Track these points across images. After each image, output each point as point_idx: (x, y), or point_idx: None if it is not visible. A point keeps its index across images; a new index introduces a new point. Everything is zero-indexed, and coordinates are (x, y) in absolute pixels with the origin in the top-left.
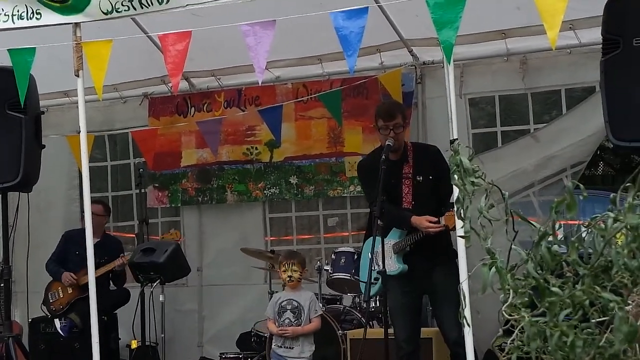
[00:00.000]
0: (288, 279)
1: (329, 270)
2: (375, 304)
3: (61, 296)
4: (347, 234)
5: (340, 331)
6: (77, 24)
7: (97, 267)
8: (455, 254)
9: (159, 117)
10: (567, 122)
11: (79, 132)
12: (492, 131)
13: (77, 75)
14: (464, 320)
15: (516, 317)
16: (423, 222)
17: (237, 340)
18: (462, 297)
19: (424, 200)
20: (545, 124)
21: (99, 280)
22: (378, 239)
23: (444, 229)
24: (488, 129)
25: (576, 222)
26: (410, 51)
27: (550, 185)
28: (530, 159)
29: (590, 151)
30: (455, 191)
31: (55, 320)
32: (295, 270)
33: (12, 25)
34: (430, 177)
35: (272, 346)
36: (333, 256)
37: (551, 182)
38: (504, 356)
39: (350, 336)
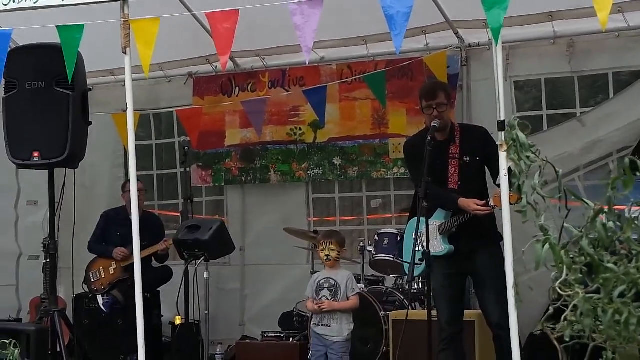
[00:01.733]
0: (326, 258)
1: (372, 252)
2: (418, 285)
3: (103, 276)
4: (390, 215)
5: (382, 312)
6: (124, 1)
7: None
8: (499, 237)
9: (203, 97)
10: (613, 107)
11: (125, 110)
12: (537, 114)
13: (125, 53)
14: (514, 295)
15: (570, 293)
16: (471, 204)
17: (279, 320)
18: (508, 276)
19: (471, 181)
20: (591, 108)
21: (142, 259)
22: (423, 219)
23: (492, 212)
24: (534, 112)
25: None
26: (456, 33)
27: (596, 169)
28: (576, 143)
29: (637, 136)
30: (502, 167)
31: (98, 296)
32: (332, 250)
33: (61, 2)
34: (478, 158)
35: (311, 324)
36: (376, 237)
37: (597, 166)
38: (555, 334)
39: (393, 317)
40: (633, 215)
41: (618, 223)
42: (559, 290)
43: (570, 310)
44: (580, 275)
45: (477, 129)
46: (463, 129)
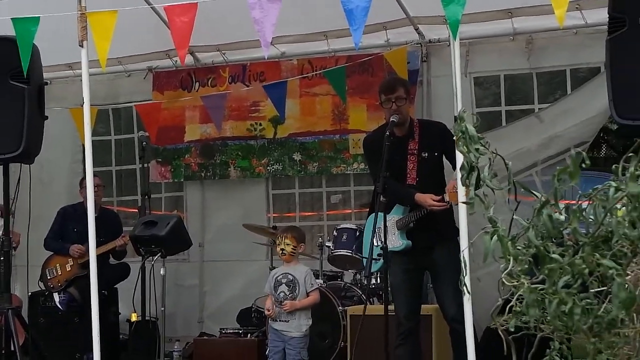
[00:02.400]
0: (281, 252)
1: (331, 247)
2: (376, 280)
3: (59, 273)
4: (350, 211)
5: (340, 307)
6: None
7: (97, 244)
8: (457, 232)
9: (163, 92)
10: (571, 103)
11: (83, 105)
12: (496, 110)
13: (81, 46)
14: (464, 288)
15: (515, 283)
16: (427, 199)
17: (238, 316)
18: (462, 266)
19: (429, 177)
20: (549, 104)
21: (99, 256)
22: (381, 215)
23: (448, 207)
24: (492, 108)
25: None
26: (417, 29)
27: (553, 165)
28: (534, 138)
29: (594, 132)
30: (459, 159)
31: (54, 294)
32: (287, 244)
33: None
34: (436, 154)
35: (269, 320)
36: (335, 233)
37: (554, 162)
38: (502, 325)
39: (351, 312)
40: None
41: (565, 215)
42: (504, 281)
43: (516, 301)
44: (527, 267)
45: (436, 124)
46: (422, 124)
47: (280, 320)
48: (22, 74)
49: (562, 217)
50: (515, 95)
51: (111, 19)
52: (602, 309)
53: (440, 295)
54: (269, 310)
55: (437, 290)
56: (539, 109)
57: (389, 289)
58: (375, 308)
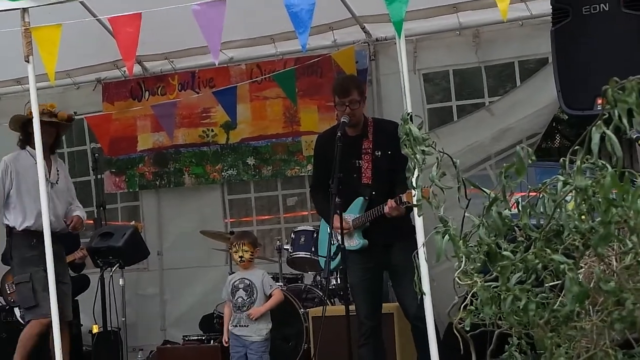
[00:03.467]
0: (239, 259)
1: (289, 250)
2: (337, 281)
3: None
4: (307, 213)
5: (302, 309)
6: (24, 9)
7: None
8: (414, 231)
9: (113, 102)
10: (521, 94)
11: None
12: (447, 106)
13: (27, 61)
14: (420, 289)
15: (469, 282)
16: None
17: (200, 323)
18: (415, 266)
19: (383, 176)
20: (499, 97)
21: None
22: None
23: (404, 210)
24: (443, 104)
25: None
26: (363, 28)
27: (507, 157)
28: (486, 132)
29: (545, 122)
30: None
31: (15, 309)
32: (246, 251)
33: None
34: (389, 153)
35: (230, 326)
36: (293, 235)
37: (507, 154)
38: (459, 322)
39: (312, 314)
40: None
41: (515, 210)
42: (458, 281)
43: (471, 299)
44: (479, 265)
45: (389, 123)
46: (376, 123)
47: (240, 326)
48: None
49: (511, 214)
50: (465, 89)
51: (56, 32)
52: (557, 303)
53: (400, 294)
54: (226, 343)
55: (397, 289)
56: (489, 102)
57: (349, 289)
58: (337, 309)
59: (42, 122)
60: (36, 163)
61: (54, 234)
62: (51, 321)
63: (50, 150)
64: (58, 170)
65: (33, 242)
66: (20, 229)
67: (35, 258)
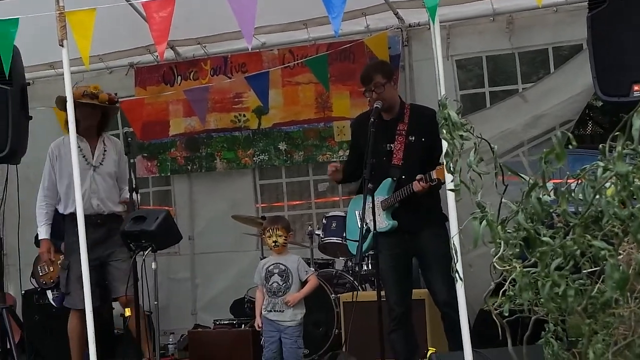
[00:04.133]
0: (273, 244)
1: (321, 235)
2: (368, 266)
3: (51, 270)
4: (338, 198)
5: (333, 295)
6: None
7: None
8: (444, 219)
9: (145, 87)
10: (555, 81)
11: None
12: (480, 92)
13: (62, 45)
14: (457, 275)
15: (507, 268)
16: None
17: (231, 307)
18: (453, 252)
19: (414, 160)
20: (533, 84)
21: None
22: (368, 198)
23: (433, 185)
24: (476, 90)
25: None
26: (396, 14)
27: (540, 144)
28: (519, 118)
29: (579, 109)
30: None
31: (47, 291)
32: (280, 235)
33: None
34: (423, 139)
35: (262, 311)
36: (324, 221)
37: (540, 141)
38: (495, 309)
39: (343, 299)
40: (570, 188)
41: (554, 196)
42: (496, 266)
43: (509, 284)
44: (518, 250)
45: (426, 110)
46: (413, 109)
47: (275, 311)
48: (4, 75)
49: (550, 199)
50: (498, 76)
51: (90, 16)
52: (595, 290)
53: (430, 281)
54: (259, 328)
55: (426, 276)
56: (522, 88)
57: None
58: (368, 294)
59: (83, 104)
60: (79, 147)
61: (100, 216)
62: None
63: (97, 132)
64: (105, 152)
65: (75, 227)
66: (65, 214)
67: (77, 245)
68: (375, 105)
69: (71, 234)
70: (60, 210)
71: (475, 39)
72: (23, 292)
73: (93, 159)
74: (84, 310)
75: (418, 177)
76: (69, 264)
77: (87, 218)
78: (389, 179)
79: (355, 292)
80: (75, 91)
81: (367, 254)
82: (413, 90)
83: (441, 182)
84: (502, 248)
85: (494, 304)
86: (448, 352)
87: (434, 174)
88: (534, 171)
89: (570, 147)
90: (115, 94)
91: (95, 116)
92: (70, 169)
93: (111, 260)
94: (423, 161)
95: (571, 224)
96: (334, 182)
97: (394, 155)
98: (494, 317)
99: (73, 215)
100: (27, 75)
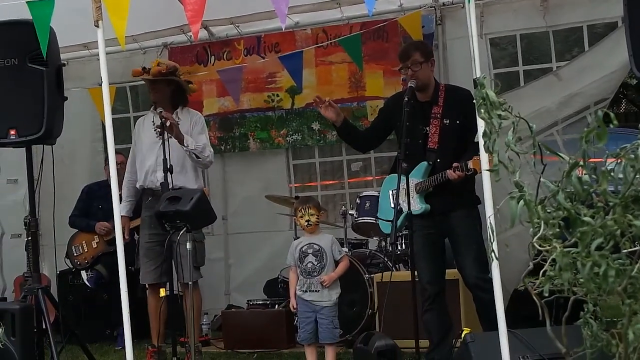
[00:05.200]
0: (306, 223)
1: (354, 215)
2: (401, 246)
3: (85, 250)
4: (371, 178)
5: (366, 275)
6: None
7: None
8: (477, 201)
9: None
10: (589, 59)
11: (101, 84)
12: (514, 71)
13: (97, 26)
14: (492, 254)
15: (548, 247)
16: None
17: (264, 287)
18: (489, 232)
19: (450, 143)
20: (567, 62)
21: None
22: (402, 178)
23: (469, 175)
24: (510, 69)
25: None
26: None
27: (574, 123)
28: (553, 97)
29: (614, 87)
30: (479, 128)
31: (82, 272)
32: (312, 214)
33: None
34: (458, 122)
35: (297, 292)
36: (358, 200)
37: (575, 120)
38: (535, 289)
39: (377, 279)
40: (609, 167)
41: (594, 176)
42: (536, 246)
43: (549, 264)
44: (558, 230)
45: (461, 91)
46: (448, 90)
47: (310, 291)
48: (40, 56)
49: (591, 179)
50: (532, 54)
51: None
52: (635, 270)
53: (460, 262)
54: (294, 308)
55: (457, 257)
56: (557, 67)
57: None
58: (402, 274)
59: (146, 80)
60: (153, 122)
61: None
62: (159, 286)
63: (171, 105)
64: (179, 125)
65: (147, 201)
66: (139, 188)
67: (147, 219)
68: (409, 84)
69: (144, 208)
70: (137, 185)
71: (510, 17)
72: (58, 272)
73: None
74: (154, 285)
75: (454, 165)
76: (138, 240)
77: (155, 192)
78: (425, 163)
79: (388, 273)
80: (135, 69)
81: (400, 234)
82: (447, 69)
83: (476, 172)
84: (541, 228)
85: (533, 283)
86: (483, 332)
87: (470, 164)
88: (568, 150)
89: (611, 125)
90: (175, 66)
91: (161, 91)
92: (144, 143)
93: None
94: (458, 144)
95: (611, 203)
96: (331, 120)
97: (430, 139)
98: (533, 297)
99: (145, 190)
100: (61, 56)
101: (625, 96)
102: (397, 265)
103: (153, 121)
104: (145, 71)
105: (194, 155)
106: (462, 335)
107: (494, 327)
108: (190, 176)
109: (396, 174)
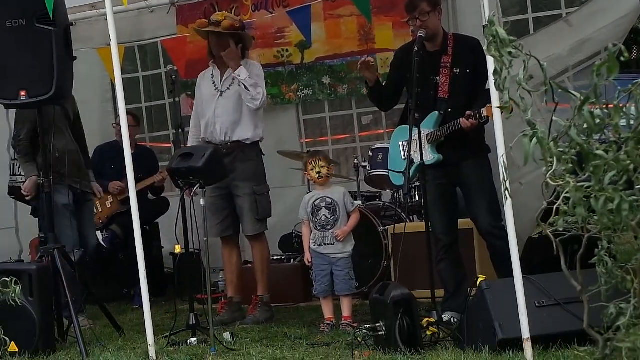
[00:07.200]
0: (317, 175)
1: (367, 168)
2: (415, 198)
3: (100, 210)
4: (382, 131)
5: (381, 227)
6: None
7: (135, 180)
8: (487, 150)
9: (187, 25)
10: (599, 4)
11: (109, 44)
12: (524, 18)
13: None
14: (506, 193)
15: (561, 183)
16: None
17: (279, 242)
18: (502, 170)
19: (461, 92)
20: (577, 8)
21: (138, 192)
22: (414, 129)
23: (482, 122)
24: (520, 17)
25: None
26: None
27: (585, 69)
28: (564, 44)
29: (625, 32)
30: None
31: (97, 232)
32: (322, 166)
33: None
34: (468, 71)
35: (311, 245)
36: (370, 153)
37: (585, 66)
38: (548, 225)
39: (391, 231)
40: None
41: (606, 110)
42: (549, 182)
43: (563, 201)
44: (571, 166)
45: (470, 40)
46: (457, 39)
47: (325, 244)
48: (47, 17)
49: (603, 113)
50: (541, 1)
51: None
52: None
53: (473, 211)
54: (309, 262)
55: (469, 206)
56: (566, 13)
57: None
58: (416, 225)
59: (206, 32)
60: (212, 75)
61: (225, 145)
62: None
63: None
64: (234, 79)
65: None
66: (202, 141)
67: None
68: (419, 34)
69: None
70: (200, 138)
71: None
72: None
73: (221, 84)
74: (226, 238)
75: (467, 113)
76: (204, 192)
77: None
78: (436, 112)
79: (402, 224)
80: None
81: (413, 185)
82: (456, 18)
83: (488, 120)
84: (554, 165)
85: (549, 222)
86: (498, 279)
87: (483, 112)
88: (593, 83)
89: (622, 58)
90: (241, 20)
91: (221, 45)
92: (199, 96)
93: (235, 194)
94: (469, 93)
95: (623, 138)
96: (368, 80)
97: (440, 88)
98: (549, 236)
99: (207, 143)
100: (69, 17)
101: (637, 42)
102: (411, 217)
103: (212, 74)
104: (213, 24)
105: (243, 86)
106: (478, 282)
107: (509, 274)
108: (247, 127)
109: (406, 125)
